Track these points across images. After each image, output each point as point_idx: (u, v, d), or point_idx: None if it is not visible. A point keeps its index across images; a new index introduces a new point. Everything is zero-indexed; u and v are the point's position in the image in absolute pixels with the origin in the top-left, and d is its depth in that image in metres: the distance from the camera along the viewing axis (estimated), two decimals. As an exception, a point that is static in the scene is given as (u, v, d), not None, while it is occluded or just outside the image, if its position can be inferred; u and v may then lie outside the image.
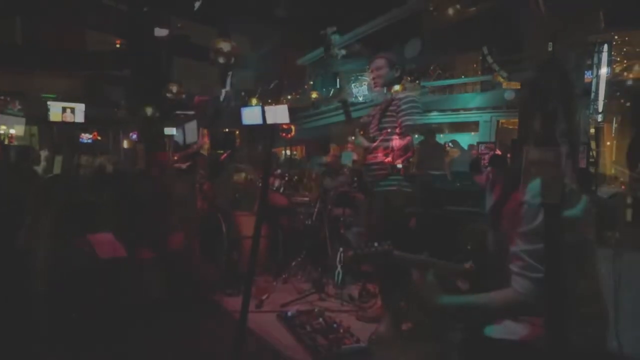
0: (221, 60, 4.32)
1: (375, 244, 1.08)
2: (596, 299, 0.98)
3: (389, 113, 2.19)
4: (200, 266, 2.53)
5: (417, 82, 5.17)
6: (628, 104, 5.39)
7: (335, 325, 2.05)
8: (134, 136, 7.90)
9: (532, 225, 0.88)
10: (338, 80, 1.98)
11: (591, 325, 0.95)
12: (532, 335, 0.98)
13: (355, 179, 3.12)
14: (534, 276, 0.87)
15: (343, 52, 2.01)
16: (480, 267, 1.14)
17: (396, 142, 2.08)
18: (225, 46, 4.17)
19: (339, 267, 2.95)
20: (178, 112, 3.78)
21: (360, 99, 5.41)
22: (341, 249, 3.00)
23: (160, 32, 4.91)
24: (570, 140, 0.89)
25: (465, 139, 6.20)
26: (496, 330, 1.09)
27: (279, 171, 3.33)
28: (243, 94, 8.37)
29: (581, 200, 0.93)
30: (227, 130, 3.90)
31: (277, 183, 3.25)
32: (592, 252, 0.97)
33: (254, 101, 7.36)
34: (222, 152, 3.45)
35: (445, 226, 2.61)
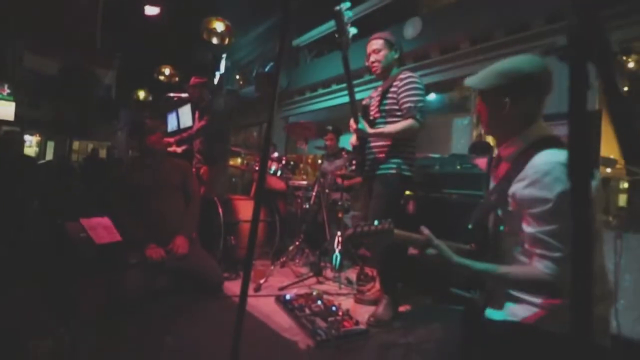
0: (215, 40, 4.20)
1: (376, 222, 1.03)
2: (603, 279, 0.96)
3: (389, 95, 2.09)
4: (206, 258, 2.42)
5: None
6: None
7: (334, 308, 2.04)
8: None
9: (548, 206, 0.86)
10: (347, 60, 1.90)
11: (597, 306, 0.93)
12: (534, 318, 0.97)
13: (354, 162, 3.08)
14: (556, 256, 0.86)
15: (355, 30, 1.88)
16: (482, 248, 1.11)
17: (399, 125, 2.02)
18: (219, 26, 4.03)
19: (336, 250, 2.95)
20: (171, 94, 3.65)
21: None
22: (339, 233, 2.99)
23: (151, 10, 4.73)
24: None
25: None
26: (496, 315, 1.08)
27: (276, 154, 3.26)
28: (238, 77, 8.20)
29: (595, 175, 0.90)
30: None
31: (274, 166, 3.19)
32: (599, 230, 0.95)
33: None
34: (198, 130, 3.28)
35: (445, 210, 2.59)
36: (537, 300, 0.95)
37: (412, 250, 1.01)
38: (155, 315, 1.94)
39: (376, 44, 2.13)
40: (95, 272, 2.52)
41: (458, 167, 2.55)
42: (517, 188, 0.94)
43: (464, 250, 1.13)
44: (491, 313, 1.08)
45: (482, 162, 2.53)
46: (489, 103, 1.04)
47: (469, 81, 1.07)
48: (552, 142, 0.95)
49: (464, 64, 3.58)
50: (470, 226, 1.11)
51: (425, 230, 1.00)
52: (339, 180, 3.56)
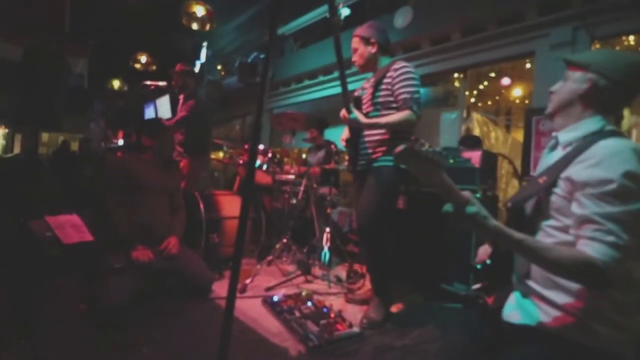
0: (195, 26, 3.95)
1: (430, 149, 0.83)
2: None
3: (383, 86, 1.97)
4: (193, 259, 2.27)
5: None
6: None
7: (325, 310, 1.93)
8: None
9: (610, 187, 0.78)
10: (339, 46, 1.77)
11: (634, 317, 0.86)
12: (558, 324, 0.89)
13: (346, 157, 2.96)
14: (610, 240, 0.76)
15: (348, 10, 1.74)
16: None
17: (395, 116, 1.90)
18: (199, 10, 3.80)
19: (325, 247, 2.84)
20: (147, 82, 3.41)
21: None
22: (327, 229, 2.88)
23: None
24: None
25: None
26: (510, 311, 1.00)
27: (261, 147, 3.10)
28: (219, 67, 7.90)
29: None
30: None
31: (259, 160, 3.03)
32: None
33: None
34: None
35: (437, 205, 2.52)
36: (568, 299, 0.86)
37: (447, 207, 0.87)
38: (136, 323, 1.77)
39: (353, 42, 2.09)
40: (64, 275, 2.31)
41: (451, 160, 2.48)
42: (576, 170, 0.86)
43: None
44: (510, 313, 1.00)
45: (474, 155, 2.48)
46: (592, 88, 0.93)
47: (582, 60, 0.95)
48: (618, 134, 0.89)
49: (455, 56, 3.51)
50: (509, 204, 1.02)
51: (466, 192, 0.87)
52: (317, 170, 3.45)
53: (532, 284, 0.96)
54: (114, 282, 1.81)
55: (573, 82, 0.96)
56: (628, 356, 0.85)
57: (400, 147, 0.83)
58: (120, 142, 4.02)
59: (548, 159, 1.03)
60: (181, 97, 3.34)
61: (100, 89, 7.32)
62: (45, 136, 10.95)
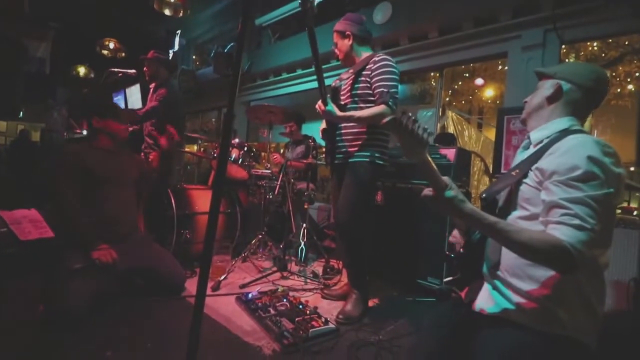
0: (167, 11, 3.77)
1: (420, 127, 0.88)
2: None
3: (362, 78, 1.95)
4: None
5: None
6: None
7: (301, 306, 1.91)
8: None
9: (577, 173, 0.83)
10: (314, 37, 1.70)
11: (601, 304, 0.91)
12: (521, 313, 0.91)
13: (315, 151, 2.92)
14: (576, 223, 0.79)
15: None
16: None
17: (369, 110, 1.88)
18: (171, -5, 3.62)
19: (302, 243, 2.82)
20: (114, 69, 3.21)
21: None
22: (304, 225, 2.85)
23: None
24: None
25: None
26: (481, 301, 1.02)
27: (237, 140, 3.01)
28: (194, 57, 7.63)
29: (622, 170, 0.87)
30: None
31: (235, 154, 2.94)
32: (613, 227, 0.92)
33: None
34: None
35: (412, 201, 2.55)
36: (535, 287, 0.90)
37: (426, 192, 0.90)
38: (100, 325, 1.66)
39: (334, 37, 2.11)
40: (21, 275, 2.15)
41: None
42: (546, 161, 0.91)
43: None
44: (481, 303, 1.02)
45: (449, 152, 2.52)
46: (558, 91, 1.02)
47: (549, 70, 1.06)
48: (585, 132, 0.96)
49: (432, 54, 3.55)
50: (483, 195, 1.08)
51: (445, 177, 0.89)
52: (300, 165, 3.40)
53: (501, 273, 0.99)
54: (74, 283, 1.66)
55: (543, 90, 1.06)
56: (591, 343, 0.89)
57: (388, 118, 0.87)
58: (85, 132, 3.79)
59: (521, 156, 1.09)
60: (152, 86, 3.18)
61: (63, 76, 6.87)
62: (2, 125, 10.23)
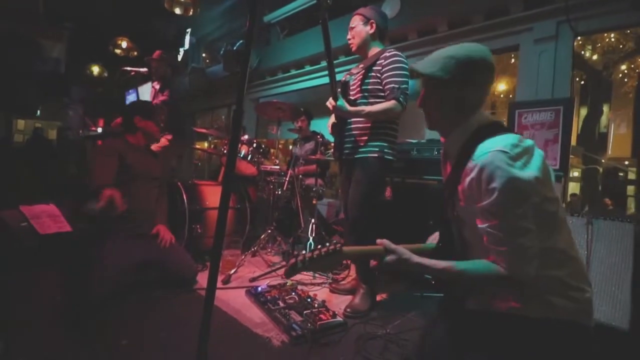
0: (178, 10, 3.82)
1: (321, 246, 0.98)
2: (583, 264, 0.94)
3: (372, 74, 1.96)
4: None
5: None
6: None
7: (309, 300, 1.94)
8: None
9: (493, 197, 0.84)
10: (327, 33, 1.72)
11: (587, 290, 0.92)
12: (507, 306, 0.92)
13: (323, 147, 2.93)
14: (502, 250, 0.85)
15: None
16: (448, 245, 1.07)
17: (380, 105, 1.89)
18: (182, -6, 3.67)
19: (310, 238, 2.84)
20: (127, 68, 3.29)
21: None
22: (313, 220, 2.88)
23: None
24: None
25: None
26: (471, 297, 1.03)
27: (246, 137, 3.05)
28: (204, 55, 7.69)
29: (536, 159, 0.87)
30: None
31: (244, 150, 2.98)
32: (558, 211, 0.91)
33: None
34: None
35: (422, 196, 2.55)
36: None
37: (372, 263, 0.99)
38: (116, 315, 1.73)
39: (352, 21, 2.08)
40: (40, 267, 2.24)
41: (436, 152, 2.50)
42: (465, 184, 0.92)
43: (427, 250, 1.08)
44: (470, 299, 1.03)
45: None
46: (434, 89, 1.01)
47: (417, 66, 1.01)
48: (491, 130, 0.93)
49: (441, 48, 3.51)
50: (431, 222, 1.13)
51: (381, 240, 0.97)
52: (306, 169, 3.43)
53: None
54: (98, 273, 1.77)
55: (435, 91, 1.03)
56: (587, 323, 0.89)
57: (290, 264, 0.97)
58: (100, 130, 3.89)
59: (446, 167, 1.08)
60: (155, 84, 3.26)
61: (78, 75, 7.04)
62: (21, 123, 10.53)
